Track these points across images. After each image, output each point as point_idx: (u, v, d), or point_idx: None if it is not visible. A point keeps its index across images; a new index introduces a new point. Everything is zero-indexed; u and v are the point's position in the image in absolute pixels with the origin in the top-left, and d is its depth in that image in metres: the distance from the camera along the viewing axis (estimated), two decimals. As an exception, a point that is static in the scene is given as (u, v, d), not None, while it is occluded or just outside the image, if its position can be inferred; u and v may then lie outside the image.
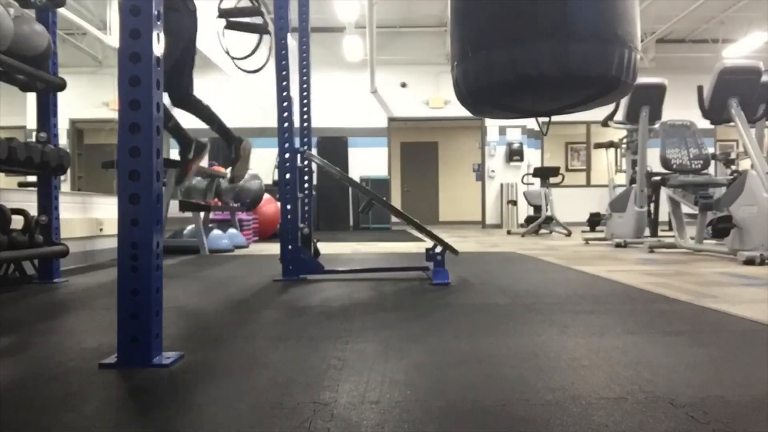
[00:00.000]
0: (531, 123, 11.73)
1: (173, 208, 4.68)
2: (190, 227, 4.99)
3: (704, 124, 4.62)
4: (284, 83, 2.82)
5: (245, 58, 2.48)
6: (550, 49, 1.70)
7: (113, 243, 1.69)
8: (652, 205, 6.09)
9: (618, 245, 5.19)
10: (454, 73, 1.98)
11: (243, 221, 6.15)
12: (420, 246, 5.30)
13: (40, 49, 2.59)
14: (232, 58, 2.48)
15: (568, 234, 7.54)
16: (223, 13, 2.49)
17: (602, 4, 1.76)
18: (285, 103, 2.83)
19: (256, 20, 2.54)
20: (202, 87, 12.34)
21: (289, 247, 2.83)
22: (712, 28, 10.68)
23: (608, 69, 1.74)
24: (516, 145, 11.43)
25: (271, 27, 3.00)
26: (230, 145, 3.09)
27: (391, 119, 11.42)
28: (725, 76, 4.17)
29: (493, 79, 1.84)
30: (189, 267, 3.64)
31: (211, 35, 2.53)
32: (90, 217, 3.91)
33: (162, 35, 1.30)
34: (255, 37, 2.63)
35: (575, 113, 2.25)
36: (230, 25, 2.52)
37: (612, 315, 1.84)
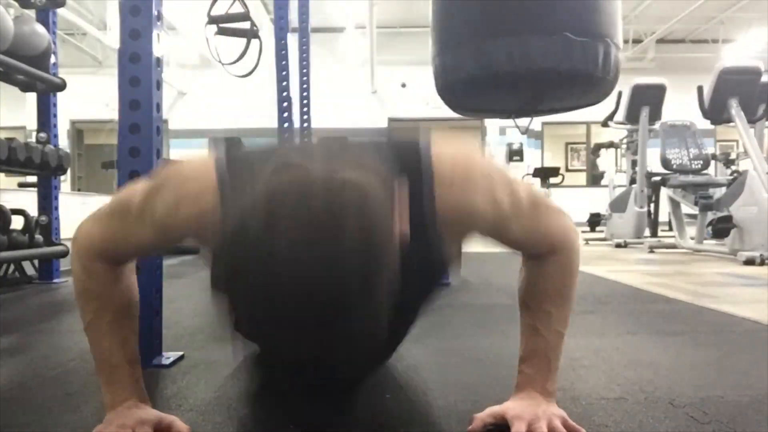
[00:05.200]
0: (531, 123, 11.69)
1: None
2: (190, 227, 4.98)
3: (704, 124, 4.62)
4: (284, 83, 2.82)
5: (234, 63, 2.48)
6: (515, 44, 1.68)
7: (113, 243, 1.68)
8: (652, 206, 6.10)
9: (618, 245, 5.19)
10: (432, 68, 1.98)
11: (243, 221, 6.14)
12: (420, 246, 5.30)
13: (40, 49, 2.59)
14: (222, 63, 2.48)
15: (568, 234, 7.53)
16: (213, 20, 2.48)
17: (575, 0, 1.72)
18: (285, 103, 2.83)
19: (245, 25, 2.53)
20: (202, 87, 12.31)
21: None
22: (712, 28, 10.68)
23: (578, 64, 1.70)
24: (516, 146, 11.41)
25: (271, 29, 3.00)
26: None
27: (391, 119, 11.42)
28: (725, 77, 4.17)
29: (460, 75, 1.83)
30: (189, 267, 3.64)
31: (209, 37, 2.53)
32: (90, 217, 3.91)
33: (161, 35, 1.30)
34: (244, 41, 2.63)
35: (566, 113, 2.23)
36: (221, 31, 2.51)
37: (612, 315, 1.84)
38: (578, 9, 1.71)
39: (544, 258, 0.92)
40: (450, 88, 1.94)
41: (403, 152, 0.78)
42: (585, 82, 1.79)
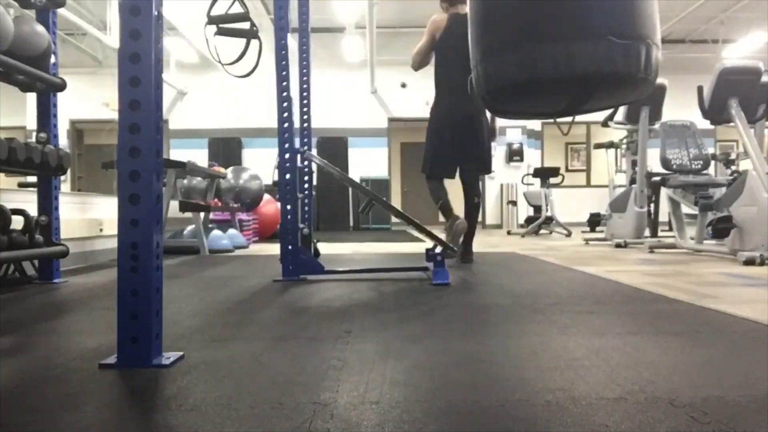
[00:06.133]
0: (531, 123, 11.72)
1: (173, 208, 4.68)
2: (190, 227, 4.99)
3: (704, 124, 4.62)
4: (284, 83, 2.82)
5: (233, 63, 2.48)
6: (559, 50, 1.67)
7: (113, 243, 1.69)
8: (652, 206, 6.09)
9: (618, 245, 5.19)
10: (473, 73, 1.96)
11: (243, 221, 6.15)
12: (420, 246, 5.30)
13: (40, 50, 2.59)
14: (222, 63, 2.48)
15: (568, 234, 7.54)
16: (213, 20, 2.48)
17: (616, 2, 1.71)
18: (285, 103, 2.83)
19: (245, 25, 2.54)
20: (202, 87, 12.30)
21: (289, 247, 2.83)
22: (712, 28, 10.68)
23: (622, 67, 1.69)
24: (516, 146, 11.43)
25: (271, 29, 3.00)
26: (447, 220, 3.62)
27: (391, 119, 11.43)
28: (725, 77, 4.17)
29: (505, 82, 1.82)
30: (189, 267, 3.64)
31: (209, 37, 2.53)
32: (90, 217, 3.91)
33: (161, 35, 1.30)
34: (244, 41, 2.63)
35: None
36: (221, 32, 2.51)
37: (612, 315, 1.84)
38: (620, 12, 1.70)
39: None
40: (493, 95, 1.92)
41: None
42: (628, 84, 1.78)
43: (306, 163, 3.18)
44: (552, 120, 2.20)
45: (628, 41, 1.68)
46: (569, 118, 2.16)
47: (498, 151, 11.42)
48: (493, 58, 1.86)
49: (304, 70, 3.33)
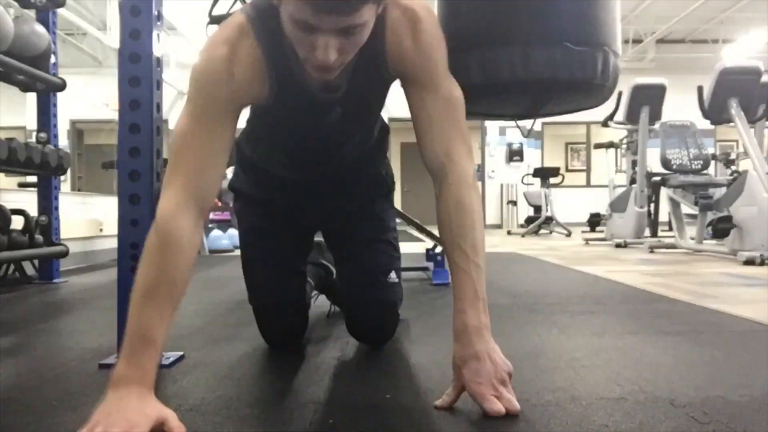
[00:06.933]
0: (533, 126, 11.72)
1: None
2: (190, 227, 4.98)
3: (704, 124, 4.62)
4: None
5: None
6: (516, 54, 1.70)
7: (113, 243, 1.69)
8: (652, 206, 6.09)
9: (618, 245, 5.19)
10: None
11: (243, 221, 6.14)
12: (420, 246, 5.30)
13: (40, 50, 2.59)
14: None
15: (568, 234, 7.54)
16: (214, 20, 2.48)
17: (575, 5, 1.73)
18: (285, 104, 2.83)
19: None
20: (202, 87, 12.08)
21: (289, 247, 2.82)
22: (712, 28, 10.68)
23: (577, 73, 1.72)
24: (516, 146, 11.43)
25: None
26: None
27: (391, 119, 11.39)
28: (725, 77, 4.17)
29: (467, 83, 1.86)
30: (189, 267, 3.64)
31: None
32: (90, 217, 3.91)
33: (162, 35, 1.30)
34: None
35: (566, 114, 2.25)
36: None
37: (612, 315, 1.84)
38: (578, 19, 1.73)
39: (443, 179, 1.08)
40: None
41: None
42: (584, 90, 1.82)
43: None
44: (514, 122, 2.23)
45: (585, 48, 1.71)
46: (531, 120, 2.20)
47: (498, 151, 11.43)
48: (456, 60, 1.89)
49: (304, 70, 3.33)
